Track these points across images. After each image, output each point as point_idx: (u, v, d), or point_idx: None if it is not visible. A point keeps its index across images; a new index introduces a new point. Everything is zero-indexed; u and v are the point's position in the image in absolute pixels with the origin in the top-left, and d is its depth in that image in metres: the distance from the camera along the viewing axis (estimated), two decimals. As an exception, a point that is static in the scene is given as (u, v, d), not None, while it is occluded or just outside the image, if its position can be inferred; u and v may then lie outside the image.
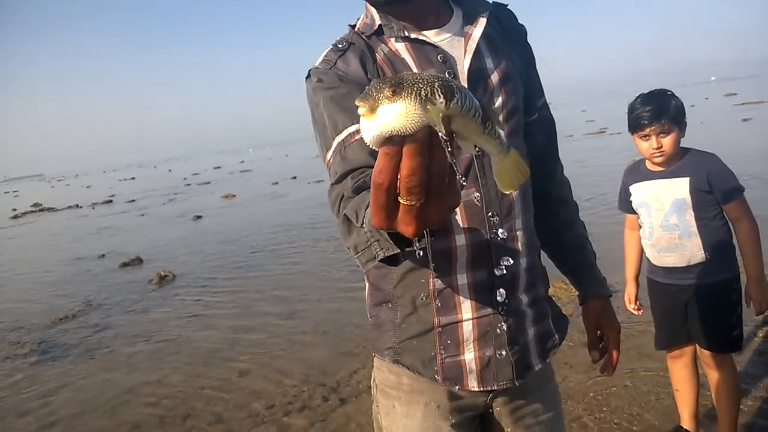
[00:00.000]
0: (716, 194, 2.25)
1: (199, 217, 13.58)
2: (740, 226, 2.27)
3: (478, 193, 1.13)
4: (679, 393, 2.55)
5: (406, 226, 0.63)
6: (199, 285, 6.87)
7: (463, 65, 1.14)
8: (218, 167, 45.14)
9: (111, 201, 23.55)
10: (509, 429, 1.27)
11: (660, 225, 2.32)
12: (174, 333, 5.19)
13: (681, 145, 2.31)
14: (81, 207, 22.48)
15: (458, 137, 0.61)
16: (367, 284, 1.30)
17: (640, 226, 2.45)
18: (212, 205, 16.09)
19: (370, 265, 0.93)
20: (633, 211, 2.47)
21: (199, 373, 4.13)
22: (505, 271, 1.16)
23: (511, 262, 1.16)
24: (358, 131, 1.06)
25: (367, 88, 0.56)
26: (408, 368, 1.21)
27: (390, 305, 1.21)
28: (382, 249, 0.86)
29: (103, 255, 9.91)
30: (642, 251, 2.50)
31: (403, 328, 1.20)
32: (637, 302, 2.60)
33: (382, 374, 1.28)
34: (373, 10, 1.18)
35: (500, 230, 1.14)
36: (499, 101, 1.17)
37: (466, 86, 1.09)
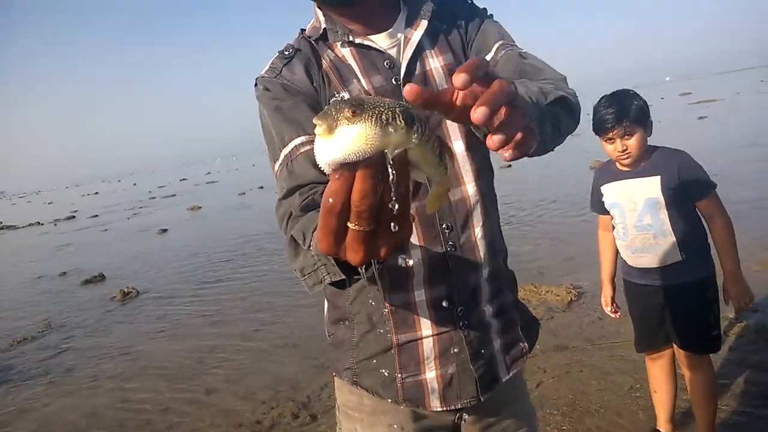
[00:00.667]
0: (688, 191, 2.22)
1: (164, 230, 13.28)
2: (714, 222, 2.25)
3: None
4: (657, 395, 2.52)
5: (353, 254, 0.58)
6: (164, 300, 6.67)
7: (401, 71, 1.09)
8: (184, 179, 44.52)
9: (73, 217, 22.97)
10: None
11: (634, 225, 2.29)
12: (138, 351, 5.01)
13: (649, 144, 2.28)
14: (42, 224, 21.86)
15: (411, 166, 0.57)
16: (325, 301, 1.23)
17: (614, 227, 2.41)
18: (178, 218, 15.78)
19: (316, 289, 0.89)
20: (606, 212, 2.43)
21: (164, 393, 3.97)
22: (465, 284, 1.10)
23: (471, 273, 1.11)
24: (303, 144, 1.03)
25: (326, 107, 0.52)
26: (367, 390, 1.15)
27: (347, 323, 1.16)
28: (329, 274, 0.83)
29: (65, 273, 9.60)
30: (617, 252, 2.47)
31: (361, 347, 1.15)
32: (614, 304, 2.56)
33: (343, 395, 1.23)
34: (320, 13, 1.15)
35: (457, 242, 1.09)
36: None
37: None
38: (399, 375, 1.12)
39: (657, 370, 2.49)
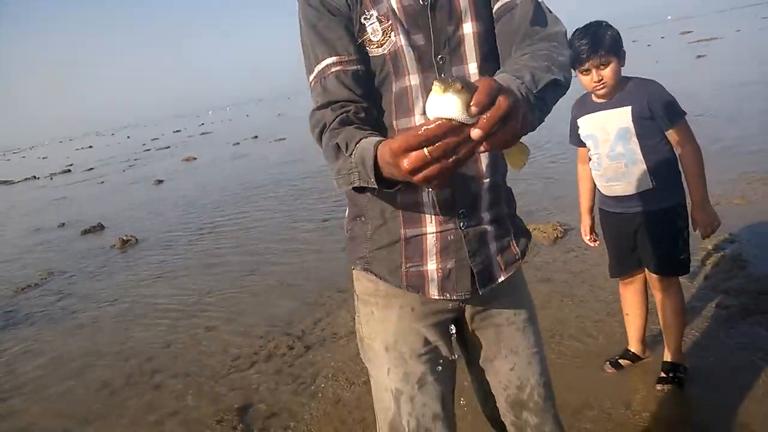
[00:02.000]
0: (658, 120, 2.28)
1: (160, 181, 13.34)
2: (683, 150, 2.32)
3: None
4: (629, 317, 2.66)
5: (419, 174, 0.79)
6: (163, 247, 6.81)
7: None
8: (178, 131, 44.15)
9: (69, 171, 22.93)
10: (480, 330, 1.37)
11: (607, 155, 2.36)
12: (139, 295, 5.16)
13: (624, 75, 2.33)
14: (38, 178, 21.84)
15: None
16: (347, 201, 1.38)
17: (590, 159, 2.49)
18: (173, 169, 15.79)
19: (344, 188, 1.08)
20: (583, 144, 2.50)
21: (166, 332, 4.14)
22: (467, 190, 1.23)
23: (473, 182, 1.24)
24: (334, 64, 1.17)
25: (446, 76, 0.84)
26: (376, 275, 1.30)
27: (363, 219, 1.31)
28: (360, 179, 1.01)
29: (63, 224, 9.70)
30: (594, 184, 2.55)
31: (374, 239, 1.29)
32: (593, 233, 2.67)
33: (361, 284, 1.37)
34: None
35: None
36: (467, 28, 1.20)
37: (429, 13, 1.17)
38: (404, 264, 1.26)
39: (629, 294, 2.62)
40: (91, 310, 4.96)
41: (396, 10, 1.17)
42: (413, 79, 1.19)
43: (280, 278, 4.86)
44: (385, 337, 1.32)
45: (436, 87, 0.75)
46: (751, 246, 3.68)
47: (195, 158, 17.67)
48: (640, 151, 2.30)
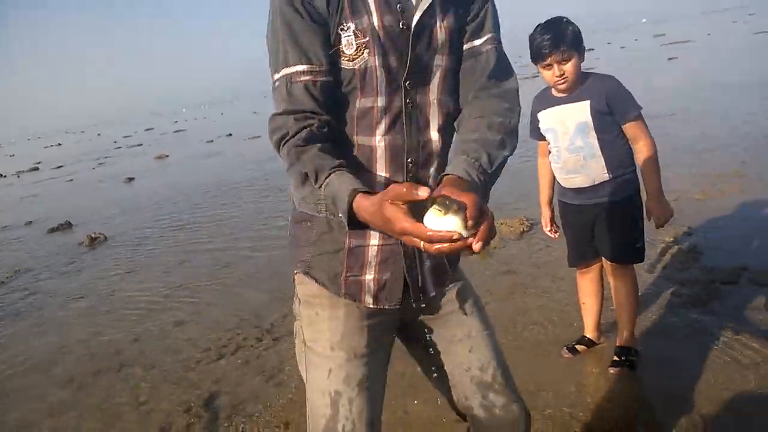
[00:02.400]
0: (615, 115, 2.37)
1: (130, 179, 13.17)
2: (639, 144, 2.41)
3: (401, 140, 1.24)
4: (585, 305, 2.76)
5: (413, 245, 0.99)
6: (133, 244, 6.75)
7: (412, 21, 1.19)
8: (150, 129, 43.49)
9: (37, 168, 22.43)
10: (431, 321, 1.43)
11: (566, 148, 2.45)
12: (107, 290, 5.13)
13: (583, 71, 2.41)
14: (5, 176, 21.33)
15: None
16: (293, 201, 1.37)
17: (550, 152, 2.57)
18: (144, 167, 15.61)
19: (303, 208, 1.17)
20: (543, 138, 2.58)
21: (134, 327, 4.12)
22: None
23: None
24: (304, 73, 1.16)
25: (443, 198, 0.94)
26: (316, 280, 1.32)
27: (309, 223, 1.32)
28: (327, 212, 1.10)
29: (30, 222, 9.53)
30: (554, 176, 2.63)
31: (318, 244, 1.31)
32: (553, 224, 2.76)
33: (304, 287, 1.38)
34: None
35: (417, 175, 1.27)
36: (439, 60, 1.25)
37: (411, 39, 1.19)
38: (344, 272, 1.30)
39: (586, 283, 2.71)
40: (59, 307, 4.91)
41: (376, 27, 1.17)
42: (380, 101, 1.21)
43: (251, 273, 4.88)
44: (332, 335, 1.32)
45: (437, 211, 0.93)
46: (707, 239, 3.82)
47: (167, 156, 17.50)
48: (597, 144, 2.38)
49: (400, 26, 1.18)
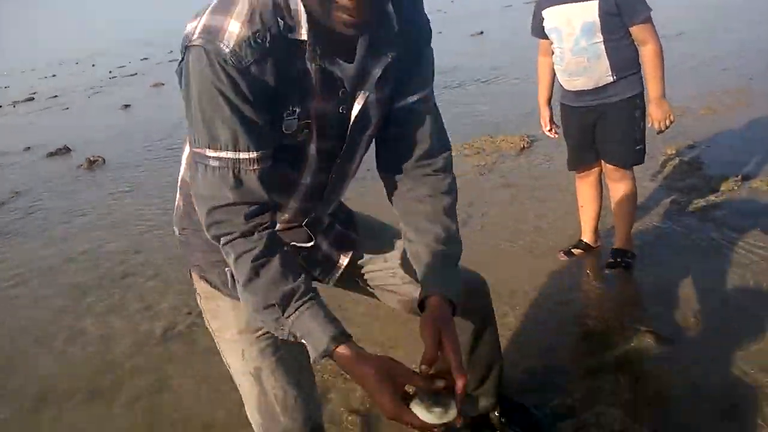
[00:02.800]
0: (624, 17, 2.29)
1: (126, 106, 12.98)
2: (646, 47, 2.35)
3: (315, 202, 1.30)
4: (583, 209, 2.77)
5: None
6: (131, 166, 6.71)
7: (351, 113, 1.14)
8: (145, 58, 42.47)
9: (32, 99, 21.84)
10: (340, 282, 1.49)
11: (570, 49, 2.38)
12: (109, 208, 5.13)
13: None
14: (1, 107, 21.06)
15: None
16: (179, 198, 1.37)
17: (553, 52, 2.50)
18: (141, 95, 15.24)
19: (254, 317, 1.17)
20: (545, 37, 2.51)
21: (137, 240, 4.16)
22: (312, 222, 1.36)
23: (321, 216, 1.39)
24: (258, 160, 1.06)
25: (436, 396, 1.04)
26: (210, 284, 1.34)
27: (200, 231, 1.18)
28: (289, 339, 1.10)
29: (28, 148, 9.42)
30: (554, 76, 2.58)
31: (208, 251, 1.28)
32: (552, 124, 2.73)
33: (202, 284, 1.39)
34: (303, 16, 1.02)
35: (316, 217, 1.35)
36: (369, 133, 1.23)
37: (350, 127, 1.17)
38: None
39: (585, 187, 2.71)
40: (61, 224, 4.92)
41: (318, 112, 1.11)
42: (306, 178, 1.22)
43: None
44: (237, 322, 1.33)
45: (430, 404, 1.03)
46: (709, 151, 3.80)
47: (163, 84, 17.14)
48: (603, 46, 2.32)
49: (341, 111, 1.14)
